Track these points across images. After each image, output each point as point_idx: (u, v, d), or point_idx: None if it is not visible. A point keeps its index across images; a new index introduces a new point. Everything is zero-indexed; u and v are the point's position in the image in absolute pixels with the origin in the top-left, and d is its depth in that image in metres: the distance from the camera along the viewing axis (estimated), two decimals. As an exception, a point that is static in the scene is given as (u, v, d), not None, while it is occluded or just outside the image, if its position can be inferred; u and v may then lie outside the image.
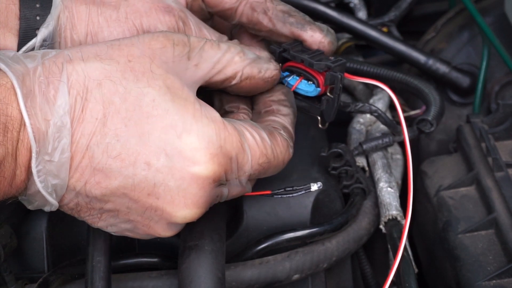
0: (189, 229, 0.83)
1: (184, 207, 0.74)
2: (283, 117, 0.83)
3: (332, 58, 0.87)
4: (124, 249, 0.91)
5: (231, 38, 0.90)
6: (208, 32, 0.86)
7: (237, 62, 0.80)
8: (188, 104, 0.74)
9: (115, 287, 0.85)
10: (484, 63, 1.14)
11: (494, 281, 0.86)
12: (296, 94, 0.87)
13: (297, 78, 0.87)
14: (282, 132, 0.81)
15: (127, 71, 0.73)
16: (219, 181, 0.76)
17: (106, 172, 0.72)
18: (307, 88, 0.86)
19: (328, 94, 0.86)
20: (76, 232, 0.93)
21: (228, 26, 0.93)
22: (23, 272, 0.90)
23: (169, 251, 0.91)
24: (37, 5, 0.82)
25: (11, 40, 0.81)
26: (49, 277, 0.85)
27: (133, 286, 0.87)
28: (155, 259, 0.89)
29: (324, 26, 0.90)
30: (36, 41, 0.81)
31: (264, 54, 0.88)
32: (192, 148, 0.73)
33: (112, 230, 0.78)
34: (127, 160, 0.72)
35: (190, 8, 0.90)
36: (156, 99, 0.73)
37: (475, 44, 1.20)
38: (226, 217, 0.87)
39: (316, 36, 0.89)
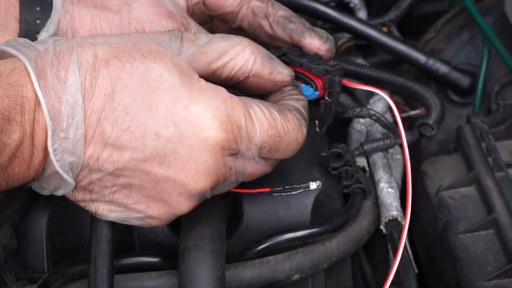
0: (189, 229, 0.83)
1: (195, 174, 0.75)
2: (295, 101, 0.84)
3: (330, 62, 0.87)
4: (124, 249, 0.91)
5: None
6: None
7: (247, 56, 0.80)
8: (194, 80, 0.76)
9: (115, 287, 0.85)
10: (484, 63, 1.14)
11: (494, 281, 0.86)
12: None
13: (296, 82, 0.87)
14: (294, 112, 0.82)
15: (134, 51, 0.75)
16: (230, 150, 0.76)
17: (117, 145, 0.73)
18: (305, 92, 0.87)
19: (326, 98, 0.87)
20: (76, 232, 0.93)
21: (227, 30, 0.93)
22: (23, 272, 0.90)
23: (169, 251, 0.91)
24: (37, 8, 0.82)
25: None
26: (49, 278, 0.85)
27: (133, 286, 0.87)
28: (155, 259, 0.89)
29: (323, 33, 0.90)
30: None
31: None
32: (200, 116, 0.74)
33: (128, 216, 0.78)
34: (137, 132, 0.73)
35: (191, 11, 0.90)
36: (163, 74, 0.74)
37: (475, 44, 1.20)
38: (226, 217, 0.87)
39: (315, 43, 0.89)
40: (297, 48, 0.89)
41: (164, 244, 0.92)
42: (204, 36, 0.79)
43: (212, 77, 0.79)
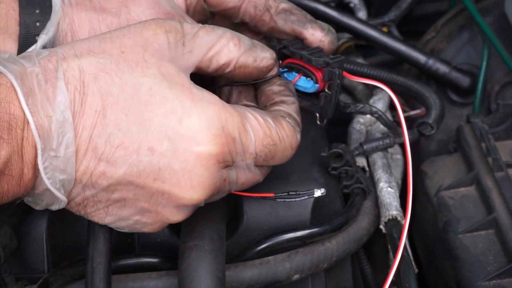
0: (189, 229, 0.83)
1: (190, 189, 0.75)
2: (287, 105, 0.84)
3: (331, 56, 0.87)
4: (124, 250, 0.91)
5: None
6: None
7: (232, 49, 0.80)
8: (185, 89, 0.75)
9: (115, 288, 0.85)
10: (484, 63, 1.14)
11: (494, 281, 0.86)
12: (295, 90, 0.88)
13: (296, 74, 0.87)
14: (287, 119, 0.82)
15: (121, 62, 0.74)
16: (224, 162, 0.76)
17: (111, 162, 0.73)
18: (305, 84, 0.87)
19: (326, 90, 0.87)
20: (76, 232, 0.93)
21: (229, 25, 0.93)
22: (23, 272, 0.90)
23: (169, 252, 0.91)
24: (37, 11, 0.81)
25: (11, 46, 0.81)
26: (49, 278, 0.85)
27: (133, 287, 0.87)
28: (155, 260, 0.89)
29: (325, 25, 0.90)
30: (36, 47, 0.81)
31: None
32: (194, 130, 0.74)
33: (120, 225, 0.78)
34: (130, 148, 0.73)
35: (192, 9, 0.90)
36: (153, 88, 0.74)
37: (475, 44, 1.20)
38: (226, 217, 0.87)
39: (316, 35, 0.89)
40: (299, 41, 0.89)
41: (164, 244, 0.92)
42: (189, 26, 0.78)
43: (199, 72, 0.79)
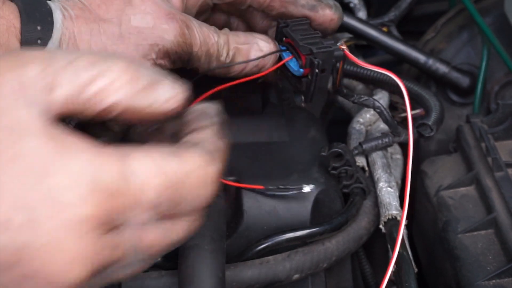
0: (189, 229, 0.83)
1: (64, 265, 0.57)
2: (200, 131, 0.65)
3: (327, 42, 0.87)
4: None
5: (244, 19, 0.92)
6: (210, 33, 0.86)
7: (117, 88, 0.59)
8: (44, 139, 0.57)
9: None
10: (484, 63, 1.14)
11: (494, 281, 0.86)
12: (286, 69, 0.90)
13: (290, 54, 0.89)
14: (198, 147, 0.62)
15: None
16: (107, 225, 0.58)
17: None
18: (294, 66, 0.89)
19: (308, 76, 0.88)
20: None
21: (236, 11, 0.93)
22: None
23: (169, 251, 0.91)
24: (38, 28, 0.79)
25: None
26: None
27: (133, 286, 0.87)
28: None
29: (331, 2, 0.91)
30: None
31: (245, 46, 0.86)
32: (58, 190, 0.56)
33: None
34: None
35: (197, 7, 0.90)
36: (2, 143, 0.56)
37: (475, 44, 1.20)
38: (226, 217, 0.88)
39: (327, 14, 0.90)
40: (305, 22, 0.90)
41: (164, 244, 0.92)
42: (62, 55, 0.59)
43: (72, 116, 0.60)
